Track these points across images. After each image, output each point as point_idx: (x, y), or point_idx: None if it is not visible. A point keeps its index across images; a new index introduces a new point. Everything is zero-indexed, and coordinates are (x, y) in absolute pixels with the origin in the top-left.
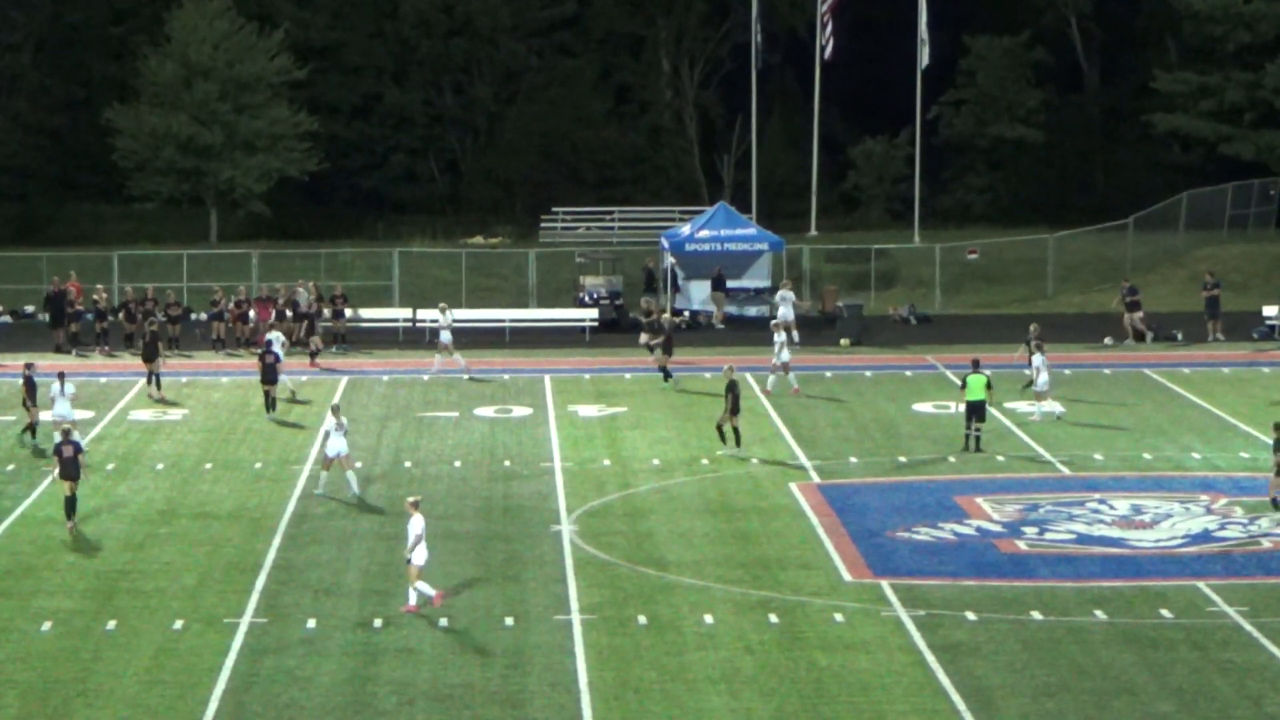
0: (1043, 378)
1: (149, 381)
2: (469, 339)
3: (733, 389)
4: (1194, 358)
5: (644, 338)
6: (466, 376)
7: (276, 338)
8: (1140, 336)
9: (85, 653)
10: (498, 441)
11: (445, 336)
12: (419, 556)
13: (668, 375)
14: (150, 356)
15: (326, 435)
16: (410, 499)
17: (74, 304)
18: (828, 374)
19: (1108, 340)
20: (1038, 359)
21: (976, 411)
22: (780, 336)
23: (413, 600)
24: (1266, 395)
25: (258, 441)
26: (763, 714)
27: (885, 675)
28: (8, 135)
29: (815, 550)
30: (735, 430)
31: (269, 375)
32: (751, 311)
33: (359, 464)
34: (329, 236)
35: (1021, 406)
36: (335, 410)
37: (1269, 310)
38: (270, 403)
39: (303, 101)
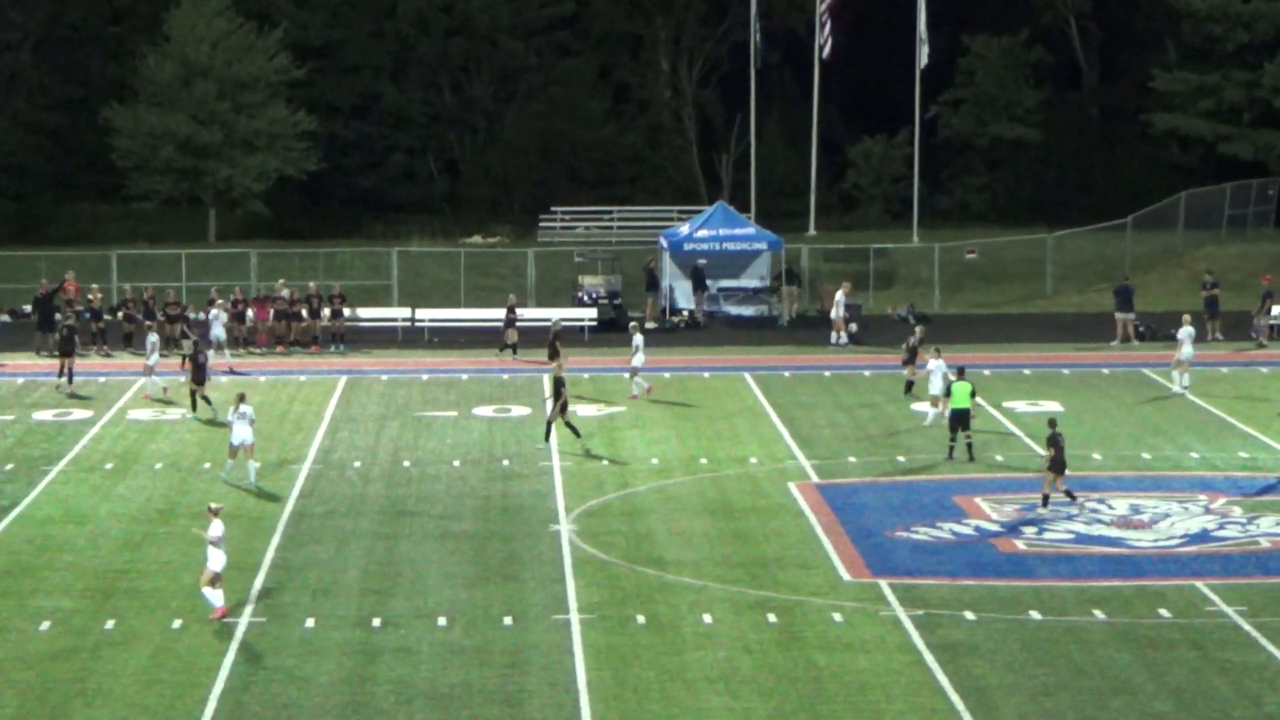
0: (937, 381)
1: (62, 375)
2: (469, 339)
3: (559, 385)
4: (1193, 357)
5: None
6: (227, 373)
7: (155, 341)
8: (1128, 338)
9: (84, 652)
10: (496, 441)
11: (218, 332)
12: (216, 562)
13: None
14: (67, 351)
15: (230, 424)
16: (212, 505)
17: (73, 303)
18: (826, 374)
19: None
20: (938, 364)
21: (962, 420)
22: (637, 339)
23: (220, 601)
24: (1265, 395)
25: (256, 441)
26: (761, 713)
27: (884, 675)
28: (6, 134)
29: (814, 550)
30: (568, 425)
31: (199, 375)
32: (750, 311)
33: (357, 463)
34: (328, 236)
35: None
36: (241, 399)
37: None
38: (195, 403)
39: (301, 101)
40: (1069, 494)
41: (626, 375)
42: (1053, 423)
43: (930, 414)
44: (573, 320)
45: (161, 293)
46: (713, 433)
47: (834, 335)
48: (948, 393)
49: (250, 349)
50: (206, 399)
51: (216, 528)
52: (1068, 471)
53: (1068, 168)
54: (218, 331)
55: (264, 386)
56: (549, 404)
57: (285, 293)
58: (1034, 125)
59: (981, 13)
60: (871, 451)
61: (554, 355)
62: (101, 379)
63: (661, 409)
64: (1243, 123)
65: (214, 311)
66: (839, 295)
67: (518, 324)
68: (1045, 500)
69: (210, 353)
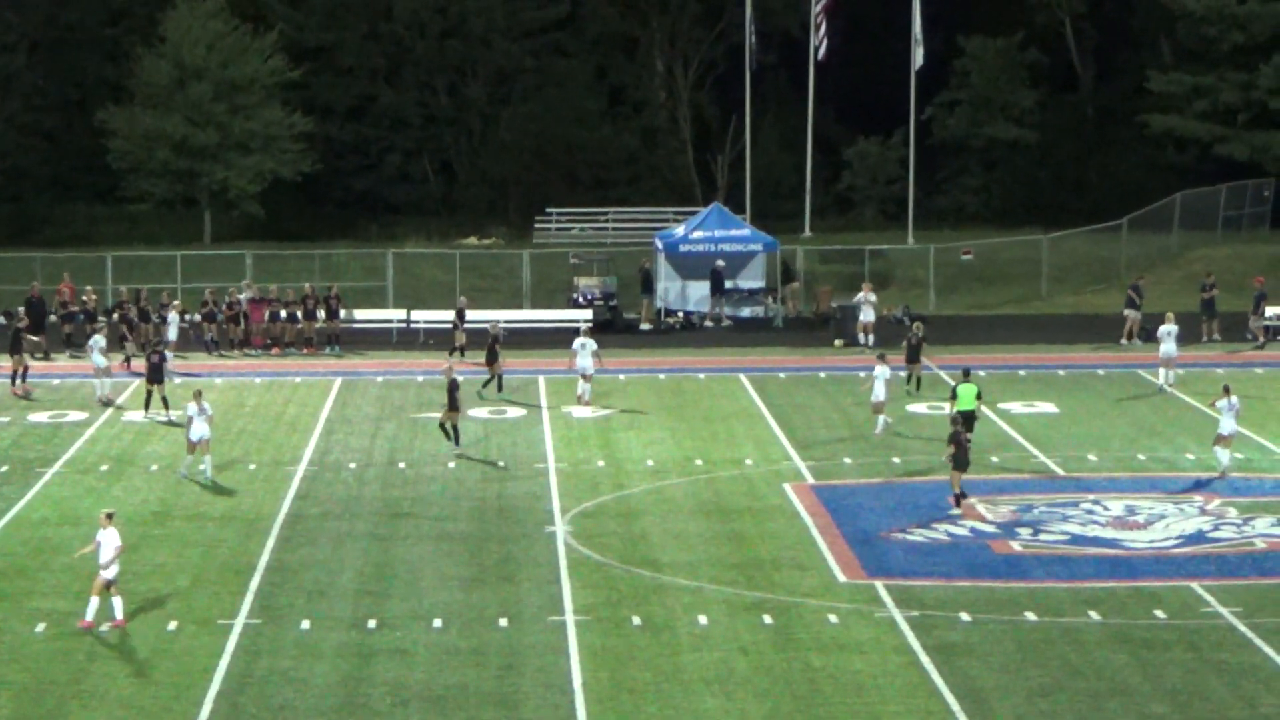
0: (880, 388)
1: (20, 378)
2: (464, 340)
3: (452, 388)
4: (1188, 358)
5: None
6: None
7: (97, 342)
8: (1130, 336)
9: (79, 654)
10: (492, 443)
11: (172, 335)
12: (111, 570)
13: (500, 385)
14: (16, 350)
15: (190, 420)
16: (105, 511)
17: (68, 305)
18: (821, 375)
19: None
20: (882, 370)
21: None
22: (576, 343)
23: (90, 615)
24: (1261, 395)
25: (251, 443)
26: (757, 715)
27: (879, 676)
28: (2, 136)
29: (809, 551)
30: (454, 427)
31: (155, 375)
32: (745, 312)
33: (352, 465)
34: (323, 237)
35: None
36: (198, 396)
37: (1270, 310)
38: (157, 401)
39: (297, 102)
40: (960, 495)
41: (579, 378)
42: (955, 420)
43: (880, 421)
44: (568, 321)
45: (156, 295)
46: (708, 434)
47: (860, 336)
48: (953, 395)
49: (246, 350)
50: (164, 399)
51: (113, 536)
52: (1062, 472)
53: (1063, 169)
54: (172, 334)
55: (259, 388)
56: (444, 406)
57: (245, 294)
58: (1029, 126)
59: (977, 14)
60: (867, 453)
61: (493, 359)
62: (97, 381)
63: (657, 410)
64: (1238, 124)
65: (171, 314)
66: (862, 296)
67: (466, 326)
68: (960, 499)
69: (169, 353)
